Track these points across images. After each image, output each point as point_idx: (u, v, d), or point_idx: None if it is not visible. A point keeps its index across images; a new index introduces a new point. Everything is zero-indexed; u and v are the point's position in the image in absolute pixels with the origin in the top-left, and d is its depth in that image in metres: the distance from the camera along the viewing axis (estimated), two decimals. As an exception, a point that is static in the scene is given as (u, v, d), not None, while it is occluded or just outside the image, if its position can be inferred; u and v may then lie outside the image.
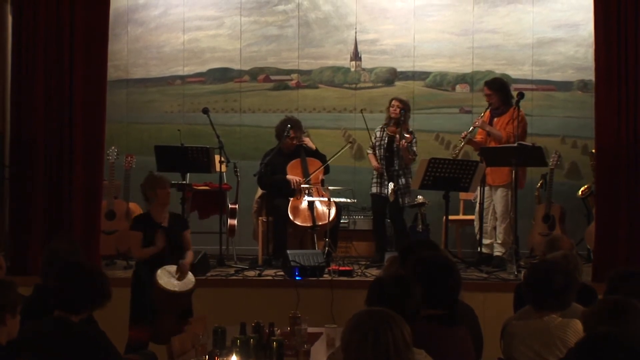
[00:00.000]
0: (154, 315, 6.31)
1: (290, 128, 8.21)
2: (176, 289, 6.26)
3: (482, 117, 8.22)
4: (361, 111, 8.48)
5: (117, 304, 6.51)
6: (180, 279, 6.33)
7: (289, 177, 8.20)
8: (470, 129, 8.20)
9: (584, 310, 3.70)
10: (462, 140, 8.15)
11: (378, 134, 8.40)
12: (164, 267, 6.34)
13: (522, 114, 8.07)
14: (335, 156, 8.36)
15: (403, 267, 4.25)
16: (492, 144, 8.11)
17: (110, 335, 4.22)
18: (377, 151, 8.37)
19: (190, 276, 6.41)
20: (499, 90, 8.22)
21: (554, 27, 9.53)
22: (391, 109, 8.32)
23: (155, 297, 6.26)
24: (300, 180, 8.17)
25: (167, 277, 6.29)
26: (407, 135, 8.20)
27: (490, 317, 5.81)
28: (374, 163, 8.39)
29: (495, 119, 8.22)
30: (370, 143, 8.42)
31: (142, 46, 9.87)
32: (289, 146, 8.32)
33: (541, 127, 9.31)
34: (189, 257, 6.56)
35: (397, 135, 8.19)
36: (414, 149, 8.28)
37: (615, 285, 4.13)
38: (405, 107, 8.30)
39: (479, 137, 8.26)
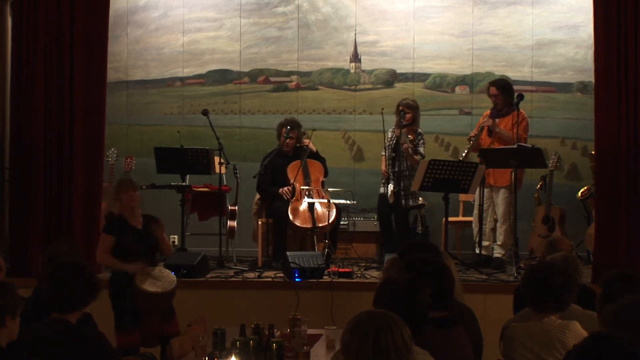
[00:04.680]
0: (139, 318, 6.27)
1: (290, 130, 8.22)
2: (158, 290, 6.17)
3: (488, 117, 8.20)
4: (381, 110, 8.41)
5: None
6: (161, 276, 6.28)
7: (280, 190, 8.17)
8: (480, 130, 8.19)
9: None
10: (471, 139, 8.14)
11: (389, 134, 8.40)
12: (145, 268, 6.27)
13: (523, 114, 8.09)
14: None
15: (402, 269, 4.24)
16: (496, 145, 8.12)
17: (110, 335, 4.22)
18: (386, 152, 8.38)
19: (171, 276, 6.32)
20: (505, 91, 8.22)
21: (553, 29, 9.54)
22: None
23: (138, 300, 6.19)
24: (289, 189, 8.13)
25: (147, 279, 6.20)
26: (410, 137, 8.20)
27: (490, 318, 5.81)
28: (382, 166, 8.40)
29: (497, 120, 8.22)
30: (384, 144, 8.44)
31: (141, 48, 9.87)
32: (288, 147, 8.32)
33: (541, 128, 9.31)
34: (169, 248, 6.58)
35: (402, 137, 8.20)
36: (420, 149, 8.27)
37: (609, 286, 4.12)
38: (405, 110, 8.28)
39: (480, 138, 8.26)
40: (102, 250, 6.30)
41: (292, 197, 8.12)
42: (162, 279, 6.27)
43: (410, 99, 8.53)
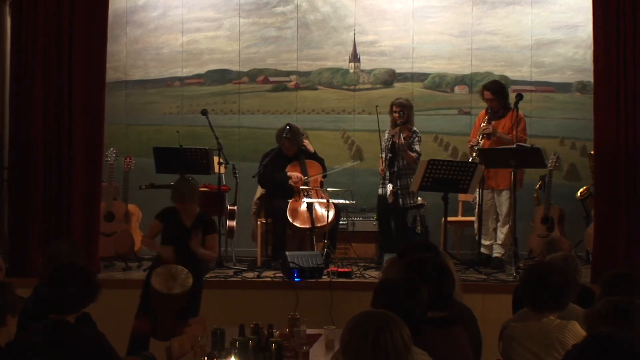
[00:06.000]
0: (153, 310, 6.31)
1: (289, 130, 8.22)
2: (162, 289, 6.15)
3: (485, 122, 8.18)
4: (376, 107, 8.43)
5: (115, 306, 6.59)
6: (178, 277, 6.25)
7: (290, 173, 8.18)
8: (480, 138, 8.17)
9: (586, 311, 3.67)
10: (473, 148, 8.12)
11: (386, 135, 8.42)
12: (168, 265, 6.29)
13: (520, 114, 8.10)
14: (339, 169, 8.39)
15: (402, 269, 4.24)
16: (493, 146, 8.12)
17: (109, 337, 4.22)
18: (384, 153, 8.37)
19: (187, 281, 6.25)
20: (500, 94, 8.23)
21: (552, 29, 9.54)
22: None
23: (150, 293, 6.25)
24: (301, 176, 8.16)
25: (162, 275, 6.20)
26: (402, 134, 8.21)
27: (489, 318, 5.81)
28: (380, 165, 8.41)
29: (494, 122, 8.21)
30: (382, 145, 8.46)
31: (141, 47, 9.87)
32: (288, 148, 8.32)
33: (540, 128, 9.31)
34: (206, 252, 6.51)
35: (395, 135, 8.22)
36: (416, 147, 8.28)
37: (609, 287, 4.12)
38: (401, 109, 8.29)
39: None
40: (147, 234, 6.76)
41: (290, 197, 8.12)
42: (177, 280, 6.22)
43: (403, 98, 8.52)
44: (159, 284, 6.18)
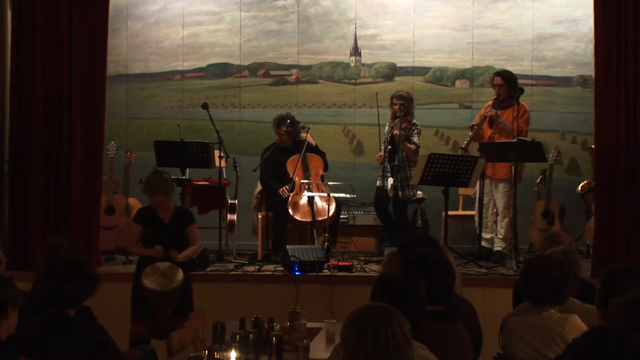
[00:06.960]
0: (151, 311, 6.29)
1: (290, 123, 8.24)
2: (156, 288, 6.13)
3: (491, 107, 8.19)
4: (376, 94, 8.43)
5: (116, 299, 6.59)
6: (168, 274, 6.23)
7: (280, 191, 8.19)
8: (482, 120, 8.19)
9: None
10: (473, 127, 8.14)
11: (387, 128, 8.42)
12: (155, 263, 6.25)
13: (524, 107, 8.09)
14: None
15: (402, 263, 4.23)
16: (497, 137, 8.11)
17: (110, 330, 4.23)
18: (384, 146, 8.37)
19: (177, 276, 6.22)
20: (510, 83, 8.21)
21: (553, 23, 9.53)
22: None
23: (144, 294, 6.24)
24: (286, 188, 8.13)
25: (152, 275, 6.18)
26: (403, 126, 8.21)
27: (489, 312, 5.82)
28: (379, 152, 8.41)
29: (499, 112, 8.21)
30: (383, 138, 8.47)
31: (141, 41, 9.86)
32: (285, 142, 8.32)
33: (541, 122, 9.30)
34: (188, 251, 6.45)
35: (394, 127, 8.22)
36: (414, 139, 8.27)
37: (609, 281, 4.11)
38: (401, 102, 8.28)
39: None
40: (131, 240, 6.66)
41: (291, 191, 8.12)
42: (168, 277, 6.19)
43: (403, 91, 8.52)
44: (151, 283, 6.16)
